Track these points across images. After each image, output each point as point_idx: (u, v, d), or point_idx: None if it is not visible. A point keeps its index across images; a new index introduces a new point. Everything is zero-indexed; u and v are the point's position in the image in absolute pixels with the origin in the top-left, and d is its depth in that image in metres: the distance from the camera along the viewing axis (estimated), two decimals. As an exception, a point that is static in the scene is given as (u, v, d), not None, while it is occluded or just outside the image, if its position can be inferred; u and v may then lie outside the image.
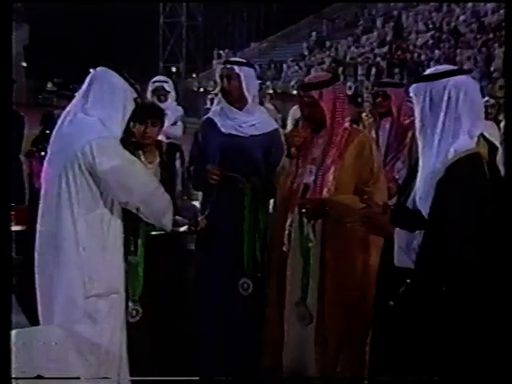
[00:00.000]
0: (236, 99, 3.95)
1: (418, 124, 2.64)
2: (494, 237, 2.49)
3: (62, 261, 3.16)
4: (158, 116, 3.90)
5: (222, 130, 3.97)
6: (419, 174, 2.67)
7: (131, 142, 3.80)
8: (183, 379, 3.43)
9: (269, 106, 7.44)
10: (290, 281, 3.46)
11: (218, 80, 4.06)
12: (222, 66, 4.05)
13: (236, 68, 3.97)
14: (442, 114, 2.57)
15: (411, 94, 2.70)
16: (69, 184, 3.15)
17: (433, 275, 2.54)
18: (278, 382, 3.67)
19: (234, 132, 3.95)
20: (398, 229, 2.82)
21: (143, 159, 3.83)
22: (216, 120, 4.02)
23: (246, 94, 3.95)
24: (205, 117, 4.24)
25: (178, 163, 4.00)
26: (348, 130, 3.44)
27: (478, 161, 2.52)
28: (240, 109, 3.96)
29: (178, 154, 4.02)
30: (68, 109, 3.30)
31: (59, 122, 3.30)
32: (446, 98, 2.57)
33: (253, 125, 3.96)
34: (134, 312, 3.61)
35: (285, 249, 3.45)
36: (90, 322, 3.18)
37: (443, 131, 2.58)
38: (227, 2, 29.23)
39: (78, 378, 2.47)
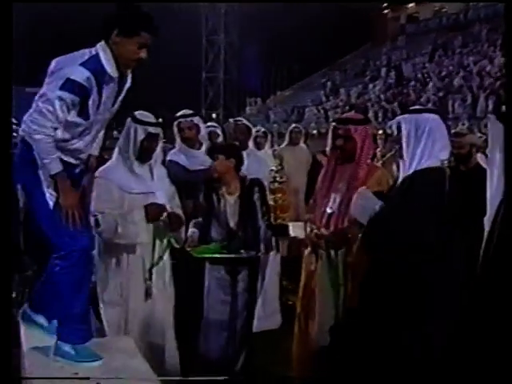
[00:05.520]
0: (194, 143, 4.35)
1: (404, 145, 2.75)
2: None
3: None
4: (229, 152, 3.84)
5: (189, 168, 4.22)
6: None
7: (213, 176, 3.84)
8: (183, 379, 3.25)
9: (303, 145, 7.04)
10: (318, 299, 3.32)
11: (176, 131, 4.36)
12: (183, 120, 4.35)
13: (195, 119, 4.40)
14: (423, 138, 2.73)
15: (401, 122, 2.81)
16: None
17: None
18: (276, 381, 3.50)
19: (199, 167, 4.16)
20: None
21: (224, 191, 3.80)
22: (180, 160, 4.28)
23: (202, 137, 4.37)
24: (167, 159, 4.31)
25: (255, 197, 3.83)
26: (369, 166, 3.35)
27: (441, 173, 2.71)
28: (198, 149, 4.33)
29: (256, 189, 3.86)
30: None
31: None
32: (428, 127, 2.74)
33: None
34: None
35: (312, 268, 3.32)
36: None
37: (423, 152, 2.73)
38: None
39: (88, 379, 2.37)
